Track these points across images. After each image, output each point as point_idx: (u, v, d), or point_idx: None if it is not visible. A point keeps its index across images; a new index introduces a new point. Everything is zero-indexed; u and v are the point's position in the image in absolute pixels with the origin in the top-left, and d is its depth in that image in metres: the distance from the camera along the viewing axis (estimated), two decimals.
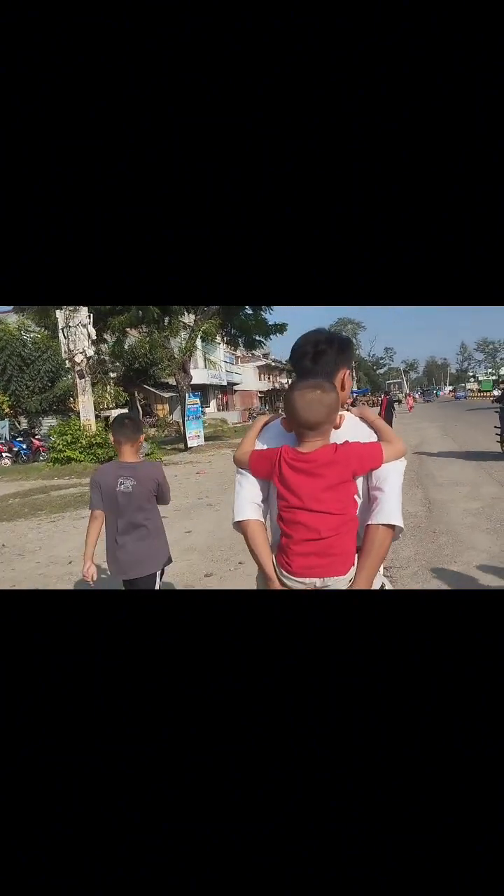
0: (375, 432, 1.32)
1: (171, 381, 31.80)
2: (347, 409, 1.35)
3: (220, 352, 40.55)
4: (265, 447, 1.36)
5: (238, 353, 48.10)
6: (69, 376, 21.33)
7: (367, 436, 1.31)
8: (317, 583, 1.25)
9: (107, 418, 26.02)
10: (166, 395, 27.24)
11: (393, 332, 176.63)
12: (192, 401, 15.80)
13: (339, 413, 1.28)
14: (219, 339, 19.44)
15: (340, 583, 1.24)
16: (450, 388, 68.15)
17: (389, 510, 1.25)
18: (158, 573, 2.54)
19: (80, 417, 12.39)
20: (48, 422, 20.49)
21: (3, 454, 15.14)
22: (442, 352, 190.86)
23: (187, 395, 15.83)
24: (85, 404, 12.38)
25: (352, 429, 1.31)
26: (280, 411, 1.46)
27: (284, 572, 1.28)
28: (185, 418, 15.50)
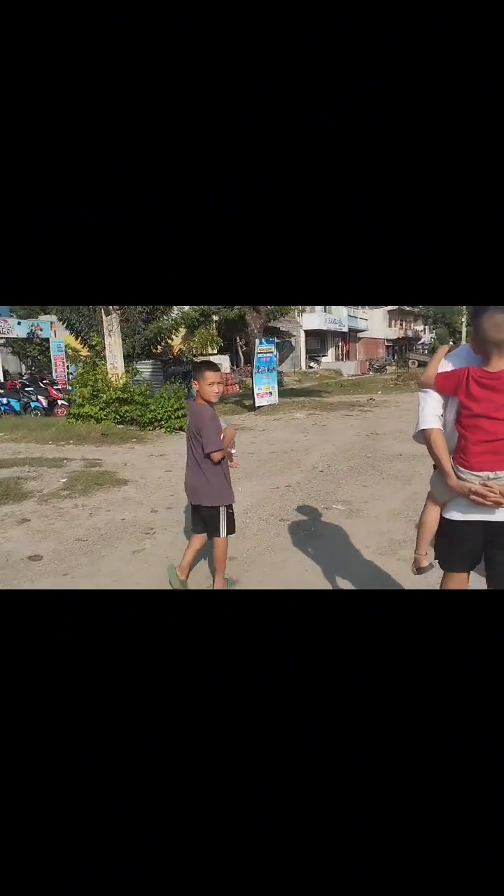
0: None
1: (280, 325, 28.00)
2: None
3: None
4: (449, 369, 1.64)
5: None
6: (165, 318, 19.08)
7: None
8: (489, 475, 1.56)
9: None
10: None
11: None
12: (265, 348, 12.50)
13: None
14: None
15: None
16: None
17: None
18: (223, 512, 2.75)
19: (106, 363, 9.91)
20: (142, 367, 18.61)
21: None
22: None
23: (257, 341, 12.60)
24: (112, 348, 9.85)
25: None
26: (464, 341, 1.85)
27: (461, 468, 1.61)
28: (255, 371, 12.36)
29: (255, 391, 12.15)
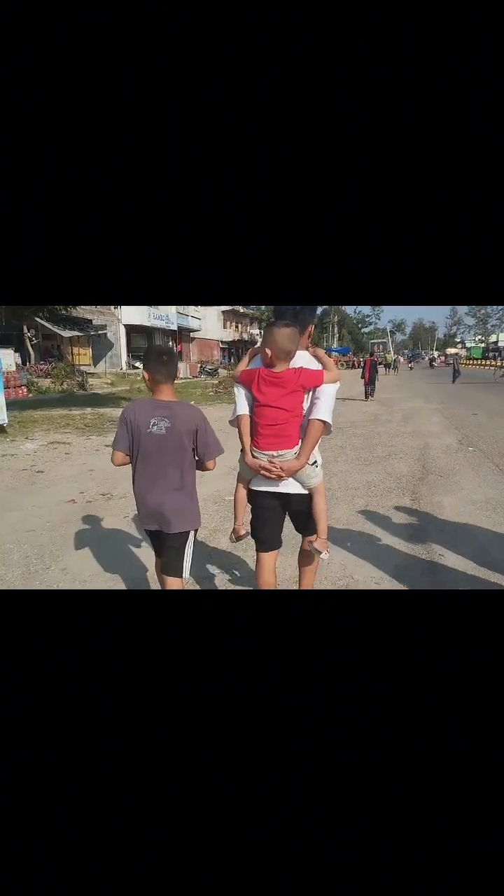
0: (322, 364, 2.04)
1: (91, 315, 24.52)
2: (307, 349, 2.07)
3: None
4: (252, 367, 2.08)
5: None
6: None
7: (317, 365, 2.04)
8: (273, 454, 2.01)
9: None
10: (66, 333, 20.76)
11: None
12: None
13: (300, 350, 2.02)
14: None
15: (289, 454, 2.01)
16: (436, 352, 64.23)
17: (322, 411, 1.99)
18: (191, 536, 2.21)
19: None
20: None
21: None
22: (430, 315, 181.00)
23: None
24: None
25: (307, 360, 2.03)
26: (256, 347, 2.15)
27: (255, 448, 2.06)
28: None
29: None
